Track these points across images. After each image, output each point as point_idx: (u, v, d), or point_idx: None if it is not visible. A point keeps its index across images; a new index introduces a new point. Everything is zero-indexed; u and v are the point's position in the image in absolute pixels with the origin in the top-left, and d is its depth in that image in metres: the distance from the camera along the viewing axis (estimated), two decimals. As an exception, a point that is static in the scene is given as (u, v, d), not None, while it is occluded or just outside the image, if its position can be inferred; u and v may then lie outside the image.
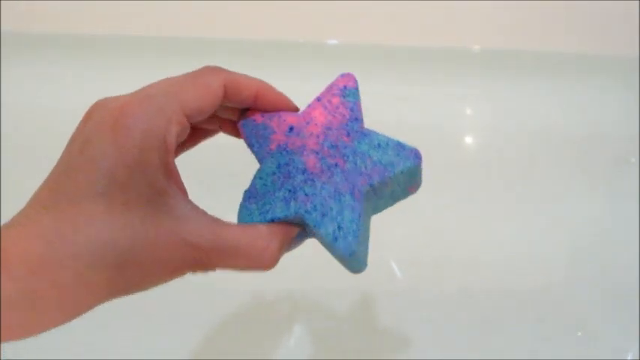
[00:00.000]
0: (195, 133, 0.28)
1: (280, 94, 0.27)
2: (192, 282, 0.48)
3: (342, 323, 0.46)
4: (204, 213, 0.23)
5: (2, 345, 0.44)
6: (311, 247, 0.50)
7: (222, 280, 0.49)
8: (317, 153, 0.26)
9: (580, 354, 0.44)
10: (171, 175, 0.22)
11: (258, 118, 0.27)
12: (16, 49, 0.64)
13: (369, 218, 0.27)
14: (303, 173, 0.25)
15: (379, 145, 0.26)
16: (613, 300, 0.48)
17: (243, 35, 0.64)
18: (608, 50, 0.63)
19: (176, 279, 0.24)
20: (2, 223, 0.22)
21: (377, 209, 0.28)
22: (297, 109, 0.28)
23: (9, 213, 0.28)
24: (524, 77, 0.63)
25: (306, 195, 0.25)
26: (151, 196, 0.21)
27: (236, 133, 0.29)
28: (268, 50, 0.63)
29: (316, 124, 0.26)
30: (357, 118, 0.27)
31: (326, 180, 0.25)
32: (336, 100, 0.27)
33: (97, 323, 0.46)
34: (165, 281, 0.23)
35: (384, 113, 0.61)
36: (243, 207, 0.26)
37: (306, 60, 0.63)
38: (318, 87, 0.70)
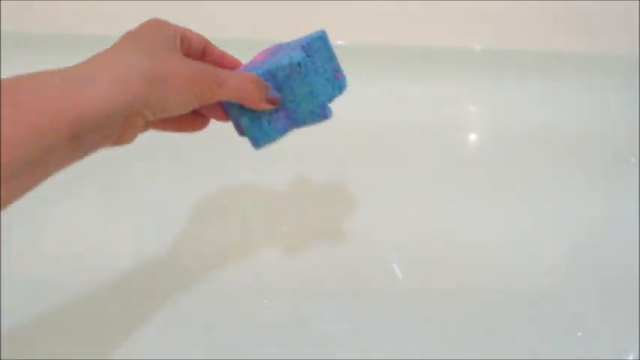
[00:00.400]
0: (194, 119, 0.37)
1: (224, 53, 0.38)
2: (191, 282, 0.48)
3: (342, 323, 0.46)
4: None
5: (2, 345, 0.44)
6: (311, 248, 0.50)
7: (222, 279, 0.49)
8: (265, 56, 0.38)
9: (580, 354, 0.44)
10: (179, 49, 0.33)
11: None
12: (16, 49, 0.64)
13: (322, 86, 0.38)
14: (262, 62, 0.37)
15: (299, 38, 0.38)
16: (613, 300, 0.48)
17: (243, 35, 0.64)
18: (608, 50, 0.63)
19: (200, 104, 0.33)
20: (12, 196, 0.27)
21: (319, 79, 0.38)
22: (240, 63, 0.38)
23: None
24: (524, 77, 0.63)
25: (267, 62, 0.36)
26: (171, 47, 0.32)
27: (223, 117, 0.37)
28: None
29: (259, 59, 0.38)
30: (280, 46, 0.39)
31: (277, 55, 0.37)
32: (265, 50, 0.39)
33: (97, 323, 0.46)
34: (186, 99, 0.32)
35: (384, 113, 0.61)
36: None
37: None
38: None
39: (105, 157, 0.33)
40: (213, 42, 0.58)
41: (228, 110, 0.37)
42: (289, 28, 0.66)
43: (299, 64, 0.35)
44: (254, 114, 0.36)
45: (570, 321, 0.46)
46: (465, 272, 0.49)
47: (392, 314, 0.47)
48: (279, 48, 0.38)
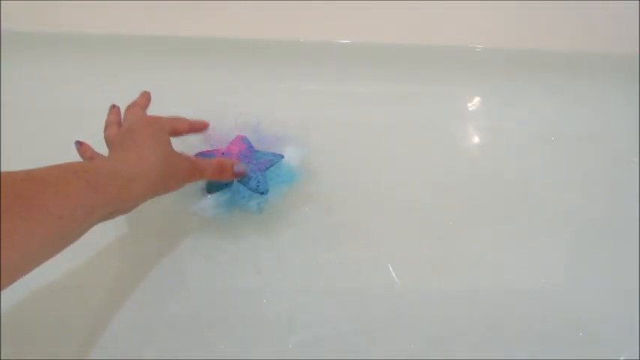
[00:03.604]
0: None
1: (198, 123, 0.52)
2: (191, 282, 0.48)
3: (342, 323, 0.46)
4: None
5: (2, 345, 0.44)
6: (310, 249, 0.50)
7: (222, 279, 0.49)
8: (239, 154, 0.52)
9: (580, 354, 0.44)
10: (170, 140, 0.46)
11: (206, 152, 0.53)
12: (16, 49, 0.64)
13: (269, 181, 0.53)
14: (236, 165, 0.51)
15: (264, 153, 0.53)
16: (613, 300, 0.48)
17: (243, 35, 0.64)
18: (608, 49, 0.63)
19: (183, 186, 0.46)
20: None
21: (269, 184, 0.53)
22: (207, 124, 0.53)
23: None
24: (524, 77, 0.63)
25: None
26: (169, 143, 0.46)
27: None
28: (269, 50, 0.63)
29: (234, 150, 0.53)
30: (252, 146, 0.54)
31: (248, 166, 0.51)
32: (239, 143, 0.54)
33: (96, 322, 0.46)
34: (180, 185, 0.45)
35: (383, 112, 0.61)
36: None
37: (306, 59, 0.63)
38: (318, 86, 0.70)
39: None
40: (214, 42, 0.63)
41: None
42: (291, 28, 0.66)
43: (262, 193, 0.50)
44: (214, 186, 0.52)
45: (570, 321, 0.46)
46: (464, 272, 0.49)
47: (392, 314, 0.47)
48: (248, 153, 0.52)
